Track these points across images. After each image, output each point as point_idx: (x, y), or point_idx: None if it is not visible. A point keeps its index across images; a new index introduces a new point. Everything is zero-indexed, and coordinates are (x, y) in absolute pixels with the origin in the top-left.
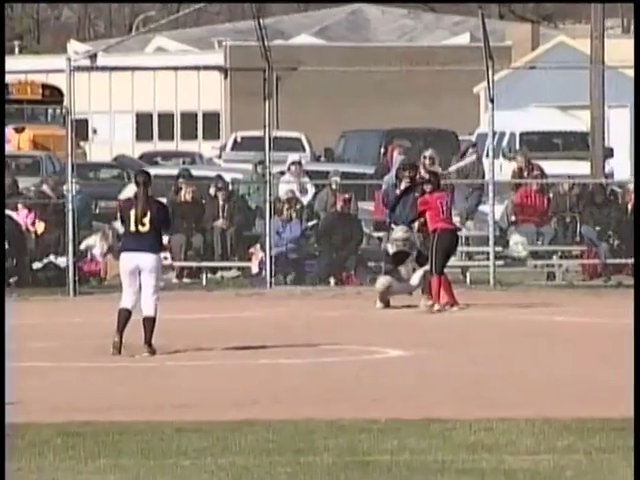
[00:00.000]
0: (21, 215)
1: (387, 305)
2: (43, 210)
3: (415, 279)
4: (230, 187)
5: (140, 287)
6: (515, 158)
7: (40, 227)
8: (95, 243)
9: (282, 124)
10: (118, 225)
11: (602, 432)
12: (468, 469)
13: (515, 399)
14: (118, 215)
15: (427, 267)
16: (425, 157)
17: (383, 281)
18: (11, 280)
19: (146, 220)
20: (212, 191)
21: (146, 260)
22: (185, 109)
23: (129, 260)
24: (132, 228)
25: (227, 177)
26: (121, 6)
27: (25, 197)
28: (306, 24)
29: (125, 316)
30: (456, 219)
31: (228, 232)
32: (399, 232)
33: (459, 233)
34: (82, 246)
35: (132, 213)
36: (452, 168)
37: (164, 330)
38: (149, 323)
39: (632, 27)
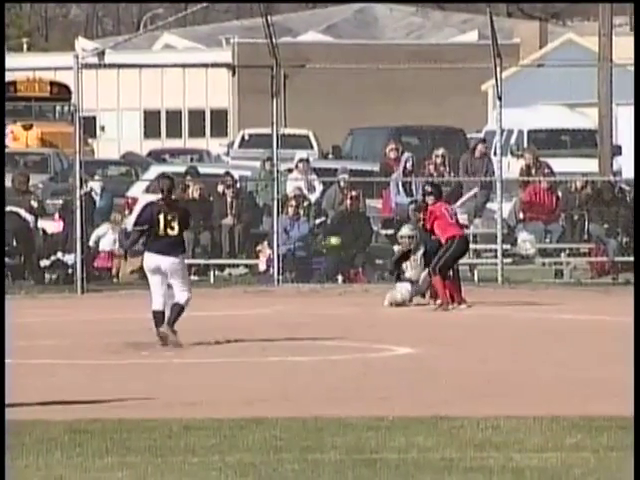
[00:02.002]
0: (57, 224)
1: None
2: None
3: (422, 280)
4: (238, 184)
5: (168, 287)
6: (523, 156)
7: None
8: (105, 232)
9: (290, 121)
10: (128, 223)
11: (610, 430)
12: (476, 467)
13: (523, 397)
14: (134, 215)
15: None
16: (437, 156)
17: (405, 293)
18: (28, 281)
19: (175, 224)
20: (220, 188)
21: (168, 263)
22: (193, 106)
23: (151, 260)
24: (161, 232)
25: (235, 174)
26: (129, 4)
27: (35, 195)
28: (314, 22)
29: (159, 317)
30: (464, 217)
31: (236, 229)
32: (405, 229)
33: (466, 231)
34: (91, 241)
35: (161, 217)
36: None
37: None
38: (176, 308)
39: (632, 27)
